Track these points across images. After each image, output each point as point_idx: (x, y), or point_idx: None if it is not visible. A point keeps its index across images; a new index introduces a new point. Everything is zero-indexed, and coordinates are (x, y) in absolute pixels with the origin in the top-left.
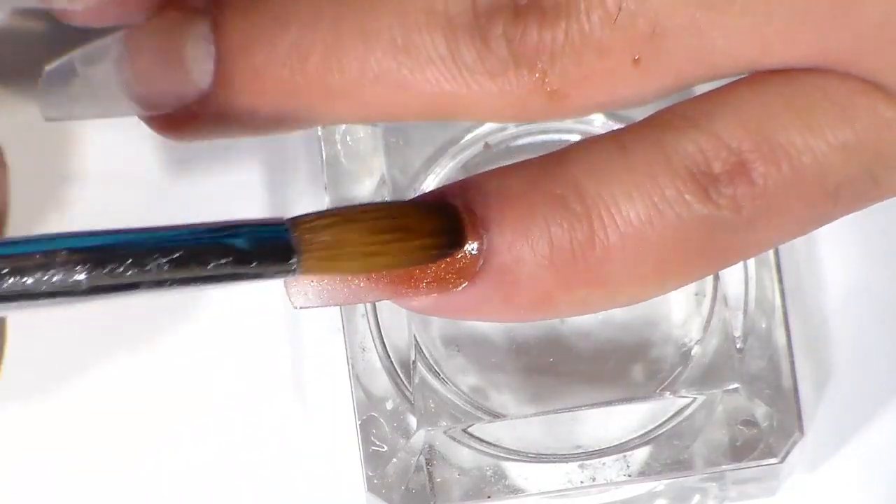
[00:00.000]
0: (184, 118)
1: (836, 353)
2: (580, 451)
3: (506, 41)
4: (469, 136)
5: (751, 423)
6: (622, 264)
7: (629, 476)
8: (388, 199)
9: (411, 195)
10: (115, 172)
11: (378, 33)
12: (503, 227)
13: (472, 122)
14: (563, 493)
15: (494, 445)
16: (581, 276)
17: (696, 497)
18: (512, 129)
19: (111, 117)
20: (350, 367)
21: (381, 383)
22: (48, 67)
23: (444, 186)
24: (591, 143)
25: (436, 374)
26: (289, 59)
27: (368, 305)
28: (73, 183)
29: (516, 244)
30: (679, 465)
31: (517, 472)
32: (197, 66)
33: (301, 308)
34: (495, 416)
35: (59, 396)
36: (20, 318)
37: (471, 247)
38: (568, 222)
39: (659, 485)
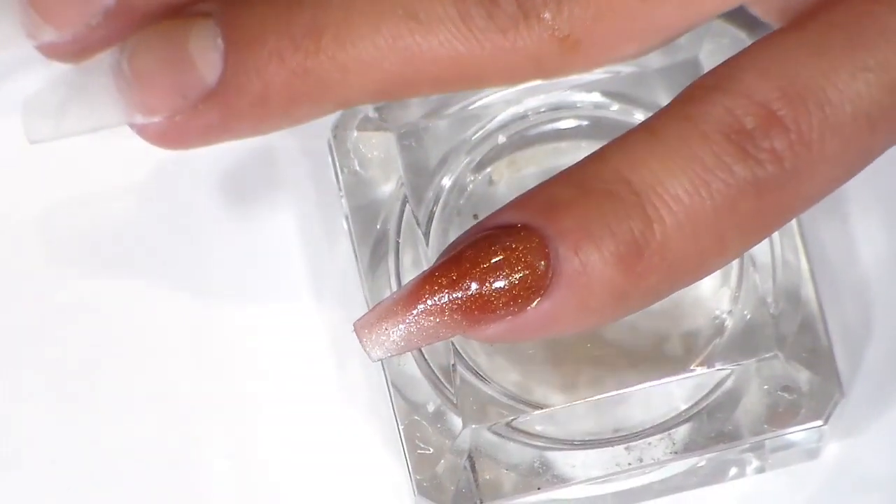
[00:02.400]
0: (183, 122)
1: (868, 318)
2: (625, 433)
3: None
4: (481, 132)
5: (791, 388)
6: (683, 242)
7: (675, 453)
8: (407, 199)
9: (429, 196)
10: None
11: (388, 3)
12: (565, 236)
13: (490, 88)
14: (611, 476)
15: (539, 437)
16: (648, 263)
17: (733, 470)
18: (522, 121)
19: (104, 129)
20: (386, 373)
21: (420, 387)
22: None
23: (496, 212)
24: (623, 138)
25: (475, 373)
26: (303, 41)
27: None
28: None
29: (582, 248)
30: (723, 437)
31: (564, 460)
32: (203, 60)
33: (378, 360)
34: (538, 407)
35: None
36: None
37: (539, 262)
38: (624, 214)
39: (700, 460)
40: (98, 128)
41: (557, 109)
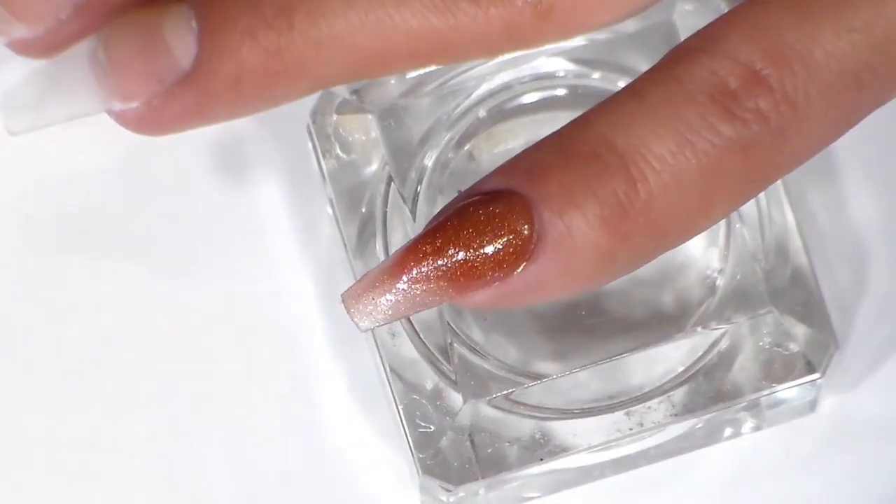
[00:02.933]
0: (160, 107)
1: (857, 272)
2: (624, 399)
3: None
4: (460, 108)
5: (786, 343)
6: (668, 202)
7: (676, 416)
8: (392, 179)
9: (413, 175)
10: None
11: None
12: (549, 200)
13: (465, 61)
14: (612, 443)
15: (539, 408)
16: (633, 224)
17: (728, 430)
18: (501, 94)
19: (82, 117)
20: (380, 355)
21: (417, 367)
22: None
23: (481, 179)
24: (607, 101)
25: (472, 350)
26: (275, 20)
27: None
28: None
29: (566, 212)
30: (722, 396)
31: (565, 430)
32: (178, 43)
33: (367, 330)
34: (536, 379)
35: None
36: None
37: (523, 227)
38: (608, 176)
39: (699, 422)
40: (76, 116)
41: (534, 81)
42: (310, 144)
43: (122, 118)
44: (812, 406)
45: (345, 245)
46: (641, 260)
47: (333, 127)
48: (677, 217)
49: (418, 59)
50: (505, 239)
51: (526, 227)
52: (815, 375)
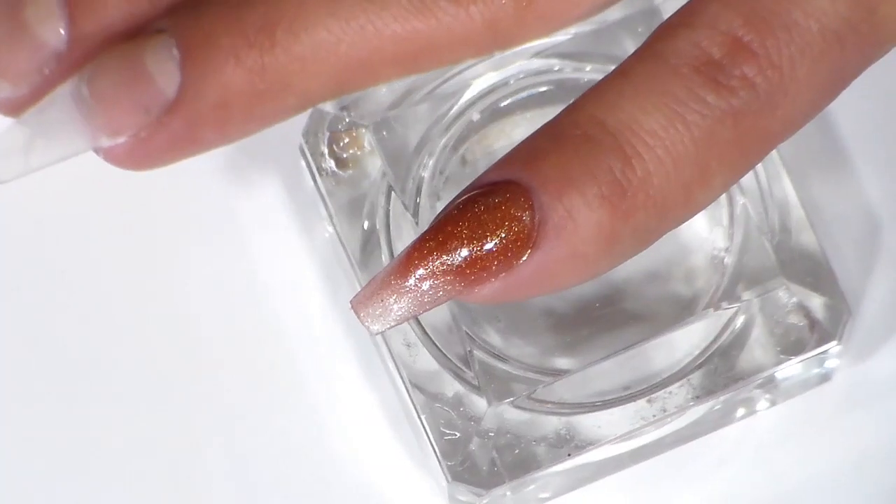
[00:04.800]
0: (148, 138)
1: (860, 240)
2: (644, 386)
3: None
4: (453, 112)
5: (800, 313)
6: (665, 176)
7: (697, 398)
8: (392, 189)
9: (410, 185)
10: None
11: None
12: (547, 185)
13: (451, 64)
14: (637, 431)
15: (562, 404)
16: (633, 200)
17: (741, 410)
18: (493, 94)
19: (72, 157)
20: (397, 366)
21: (435, 375)
22: None
23: (482, 174)
24: (597, 84)
25: (492, 355)
26: (257, 38)
27: None
28: None
29: (565, 195)
30: (741, 374)
31: (589, 423)
32: (161, 72)
33: (378, 333)
34: (556, 374)
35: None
36: None
37: (524, 215)
38: (603, 155)
39: (717, 403)
40: (66, 157)
41: (523, 79)
42: (303, 163)
43: (110, 155)
44: (827, 376)
45: (349, 260)
46: (646, 238)
47: (327, 144)
48: (676, 191)
49: (404, 65)
50: (507, 228)
51: (527, 214)
52: (832, 343)
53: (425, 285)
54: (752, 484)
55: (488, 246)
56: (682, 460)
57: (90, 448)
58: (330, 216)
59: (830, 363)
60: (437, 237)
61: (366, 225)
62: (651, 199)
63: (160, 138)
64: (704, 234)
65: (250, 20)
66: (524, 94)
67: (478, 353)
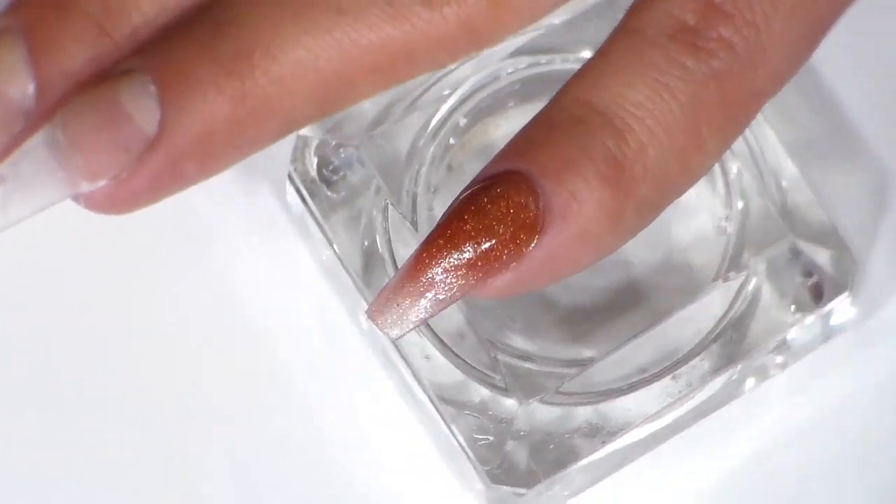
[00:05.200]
0: (129, 178)
1: (853, 192)
2: (667, 363)
3: None
4: (437, 120)
5: (809, 270)
6: (659, 146)
7: (718, 369)
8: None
9: (405, 198)
10: None
11: (311, 5)
12: (546, 171)
13: (431, 68)
14: (666, 409)
15: (589, 393)
16: (632, 174)
17: (751, 381)
18: (475, 97)
19: (51, 206)
20: (419, 380)
21: (460, 383)
22: None
23: (482, 169)
24: (579, 70)
25: (512, 354)
26: (235, 65)
27: None
28: None
29: (565, 178)
30: (758, 338)
31: (619, 407)
32: (139, 110)
33: (398, 338)
34: (581, 365)
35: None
36: None
37: (528, 201)
38: (595, 133)
39: (734, 372)
40: (46, 206)
41: (500, 79)
42: (291, 189)
43: (91, 200)
44: (837, 329)
45: (353, 279)
46: (649, 212)
47: (316, 169)
48: (672, 159)
49: (384, 74)
50: (513, 216)
51: (531, 200)
52: (844, 294)
53: (439, 284)
54: (776, 446)
55: (496, 236)
56: (702, 433)
57: (86, 455)
58: (328, 240)
59: (840, 316)
60: (444, 234)
61: (365, 243)
62: (649, 170)
63: (142, 177)
64: (704, 205)
65: (225, 48)
66: (503, 93)
67: (502, 357)
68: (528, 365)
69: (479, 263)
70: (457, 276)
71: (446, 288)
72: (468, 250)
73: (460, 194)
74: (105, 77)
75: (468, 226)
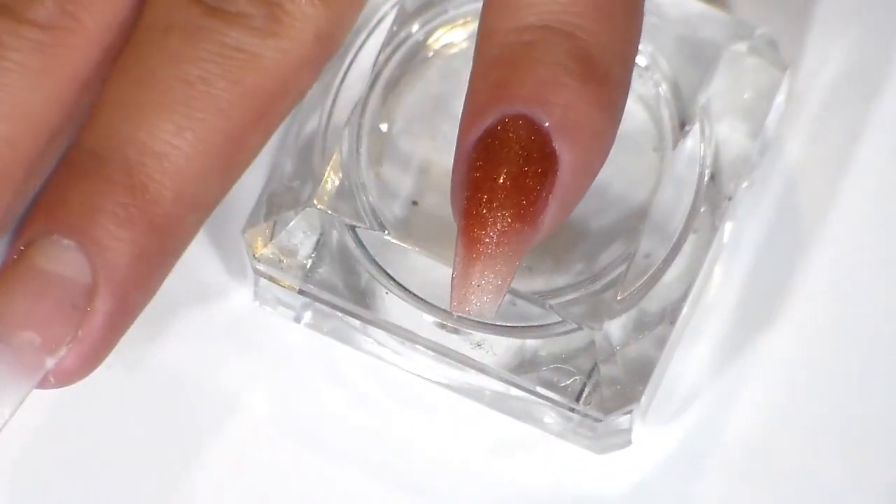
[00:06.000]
0: (88, 332)
1: None
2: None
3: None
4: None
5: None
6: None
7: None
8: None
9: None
10: None
11: (172, 100)
12: (530, 98)
13: (300, 95)
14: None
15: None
16: (596, 67)
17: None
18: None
19: (25, 398)
20: (483, 368)
21: (521, 349)
22: None
23: (466, 127)
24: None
25: (554, 297)
26: (131, 181)
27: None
28: None
29: (549, 97)
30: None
31: (661, 286)
32: (65, 265)
33: (494, 314)
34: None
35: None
36: None
37: (535, 133)
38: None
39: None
40: (23, 398)
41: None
42: (261, 281)
43: (60, 374)
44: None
45: (355, 318)
46: (622, 93)
47: (272, 246)
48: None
49: (268, 118)
50: (523, 150)
51: (533, 132)
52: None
53: (501, 245)
54: None
55: (523, 173)
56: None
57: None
58: (328, 301)
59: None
60: (478, 198)
61: (361, 279)
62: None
63: (98, 325)
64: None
65: (113, 170)
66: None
67: (551, 303)
68: (571, 296)
69: (521, 211)
70: (513, 231)
71: (509, 245)
72: (507, 200)
73: (462, 159)
74: (9, 260)
75: (495, 182)
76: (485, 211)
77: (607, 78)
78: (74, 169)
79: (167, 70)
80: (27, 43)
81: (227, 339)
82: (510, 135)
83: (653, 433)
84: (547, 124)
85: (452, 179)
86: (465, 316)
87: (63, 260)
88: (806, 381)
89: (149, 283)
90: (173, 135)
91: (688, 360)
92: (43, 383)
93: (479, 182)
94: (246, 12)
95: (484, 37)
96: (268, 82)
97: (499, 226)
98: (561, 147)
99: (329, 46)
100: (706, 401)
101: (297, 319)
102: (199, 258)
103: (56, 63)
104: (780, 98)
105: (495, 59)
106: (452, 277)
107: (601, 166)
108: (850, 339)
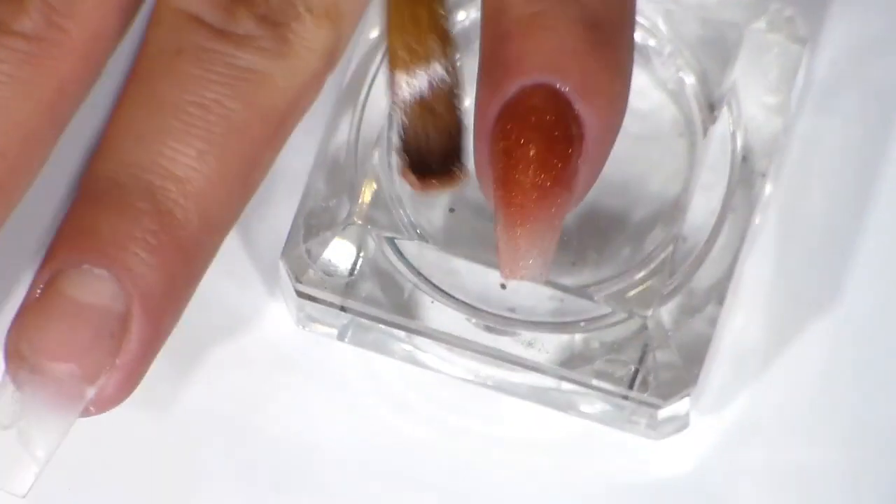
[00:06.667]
0: (127, 359)
1: None
2: None
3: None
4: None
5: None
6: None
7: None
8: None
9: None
10: None
11: (190, 122)
12: (558, 69)
13: (308, 105)
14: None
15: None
16: (599, 35)
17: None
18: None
19: (71, 427)
20: (537, 367)
21: (569, 344)
22: None
23: (482, 112)
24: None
25: (601, 287)
26: (157, 206)
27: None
28: None
29: (570, 68)
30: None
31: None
32: (97, 294)
33: (545, 278)
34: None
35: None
36: None
37: (553, 99)
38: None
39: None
40: (68, 428)
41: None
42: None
43: (100, 402)
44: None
45: (400, 329)
46: (628, 62)
47: (315, 267)
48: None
49: (279, 135)
50: (549, 118)
51: (550, 99)
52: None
53: (543, 208)
54: None
55: (552, 139)
56: None
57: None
58: (373, 316)
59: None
60: (513, 167)
61: (405, 295)
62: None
63: (134, 353)
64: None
65: (138, 198)
66: None
67: (599, 297)
68: (618, 286)
69: (560, 166)
70: (552, 195)
71: (552, 209)
72: (543, 168)
73: (484, 134)
74: (35, 292)
75: (526, 150)
76: (521, 177)
77: (615, 40)
78: (97, 198)
79: (180, 94)
80: (14, 54)
81: (272, 367)
82: (535, 102)
83: (705, 413)
84: (566, 90)
85: (476, 159)
86: (514, 317)
87: (96, 289)
88: (859, 358)
89: (179, 306)
90: (194, 159)
91: (736, 339)
92: (84, 412)
93: (511, 150)
94: (254, 34)
95: (490, 13)
96: (281, 102)
97: (538, 191)
98: (584, 111)
99: (334, 63)
100: (758, 376)
101: (341, 337)
102: (226, 291)
103: (43, 74)
104: (801, 72)
105: (506, 34)
106: (497, 248)
107: (619, 129)
108: None
